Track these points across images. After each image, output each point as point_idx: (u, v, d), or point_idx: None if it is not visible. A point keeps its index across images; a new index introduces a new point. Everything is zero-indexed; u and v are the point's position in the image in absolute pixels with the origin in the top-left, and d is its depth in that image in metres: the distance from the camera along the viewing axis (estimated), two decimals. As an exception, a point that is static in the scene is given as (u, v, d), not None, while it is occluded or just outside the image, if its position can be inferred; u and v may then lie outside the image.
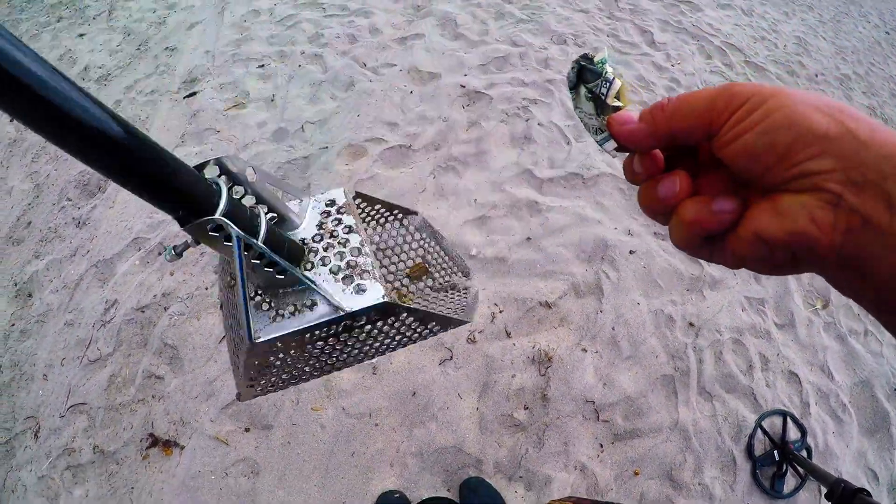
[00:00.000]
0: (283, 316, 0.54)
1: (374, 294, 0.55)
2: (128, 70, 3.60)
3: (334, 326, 0.56)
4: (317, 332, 0.55)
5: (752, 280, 2.55)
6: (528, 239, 2.48)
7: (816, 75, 4.30)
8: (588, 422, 2.08)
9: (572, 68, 0.47)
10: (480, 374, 2.13)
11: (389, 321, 0.61)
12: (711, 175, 0.42)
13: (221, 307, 0.65)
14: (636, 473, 2.02)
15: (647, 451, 2.05)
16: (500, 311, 2.27)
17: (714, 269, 2.52)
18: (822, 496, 1.54)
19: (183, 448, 2.00)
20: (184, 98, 3.26)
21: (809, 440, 2.19)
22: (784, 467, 2.09)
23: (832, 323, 2.53)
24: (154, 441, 2.03)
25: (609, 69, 0.46)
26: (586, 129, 0.46)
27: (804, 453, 2.15)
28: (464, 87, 3.16)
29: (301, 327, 0.53)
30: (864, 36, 5.43)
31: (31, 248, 2.73)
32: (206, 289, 2.38)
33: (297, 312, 0.54)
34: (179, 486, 1.93)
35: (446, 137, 2.88)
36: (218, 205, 0.44)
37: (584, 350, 2.21)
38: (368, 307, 0.55)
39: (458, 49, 3.45)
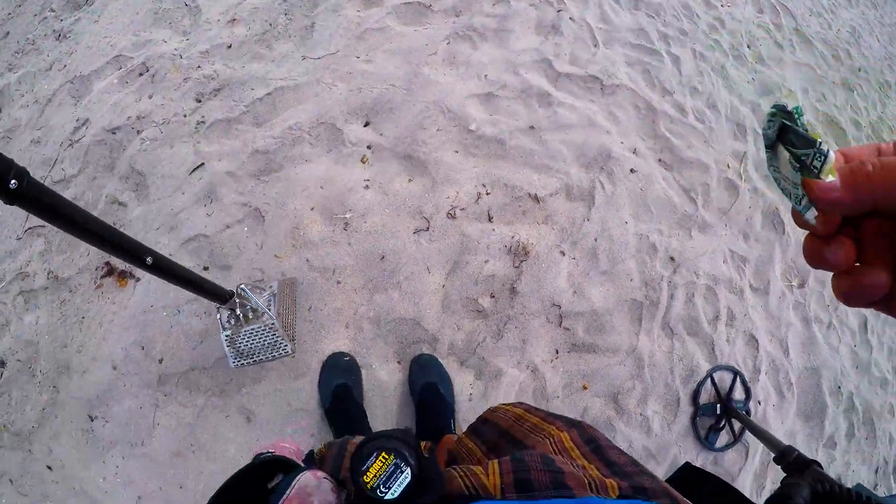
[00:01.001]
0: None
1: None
2: None
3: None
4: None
5: (740, 236, 2.47)
6: (532, 128, 2.33)
7: (859, 69, 4.13)
8: (550, 325, 2.02)
9: (770, 122, 0.41)
10: (453, 252, 2.04)
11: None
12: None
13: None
14: (584, 388, 2.00)
15: (599, 368, 2.02)
16: (487, 194, 2.15)
17: (707, 213, 2.42)
18: (772, 459, 1.52)
19: (138, 280, 1.95)
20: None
21: (751, 405, 2.20)
22: (722, 422, 2.11)
23: (802, 304, 2.49)
24: (110, 270, 1.98)
25: (808, 123, 0.39)
26: (783, 193, 0.42)
27: (745, 414, 2.15)
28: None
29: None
30: (915, 52, 5.26)
31: (4, 59, 2.61)
32: (185, 116, 2.26)
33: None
34: (130, 319, 1.88)
35: (470, 6, 2.66)
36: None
37: (563, 253, 2.11)
38: None
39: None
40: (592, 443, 0.81)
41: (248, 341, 1.71)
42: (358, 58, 2.39)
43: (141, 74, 2.38)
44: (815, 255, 0.39)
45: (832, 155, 0.37)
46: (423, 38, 2.50)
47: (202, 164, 2.12)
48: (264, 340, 1.73)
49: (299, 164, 2.12)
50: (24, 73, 2.49)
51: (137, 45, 2.47)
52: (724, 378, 2.17)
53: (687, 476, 1.11)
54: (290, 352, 1.80)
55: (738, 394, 2.18)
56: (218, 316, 1.66)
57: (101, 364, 1.83)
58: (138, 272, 1.96)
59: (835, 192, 0.36)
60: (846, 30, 4.45)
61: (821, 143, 0.37)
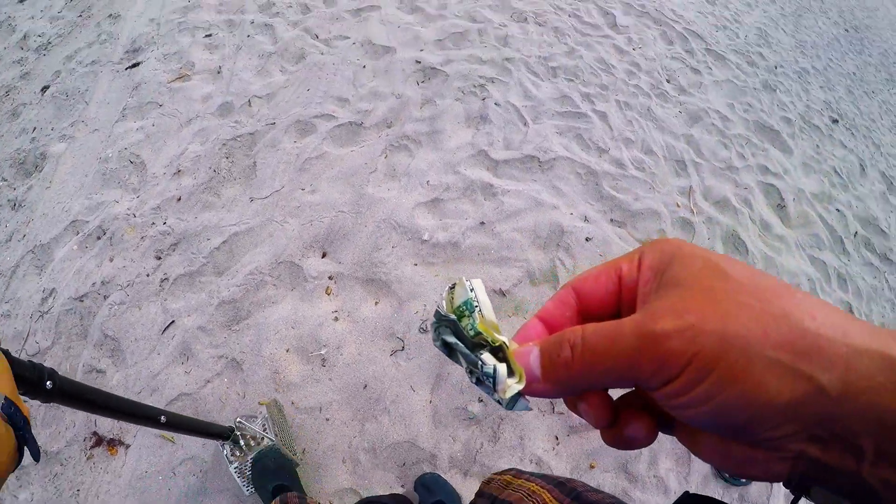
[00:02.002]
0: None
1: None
2: (68, 38, 3.39)
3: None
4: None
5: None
6: (482, 223, 2.40)
7: (776, 67, 4.33)
8: (543, 415, 2.04)
9: (435, 332, 0.39)
10: (433, 366, 2.06)
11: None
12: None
13: None
14: (592, 466, 2.00)
15: (602, 443, 2.02)
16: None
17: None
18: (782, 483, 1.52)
19: (128, 447, 1.92)
20: (126, 69, 3.07)
21: None
22: None
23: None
24: (98, 440, 1.95)
25: (480, 321, 0.37)
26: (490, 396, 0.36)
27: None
28: (419, 62, 3.04)
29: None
30: (823, 32, 5.52)
31: None
32: (147, 275, 2.27)
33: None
34: (126, 486, 1.85)
35: (399, 115, 2.77)
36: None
37: (539, 341, 2.14)
38: None
39: (415, 23, 3.33)
40: (573, 493, 0.81)
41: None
42: (303, 190, 2.46)
43: (98, 238, 2.39)
44: (573, 410, 0.37)
45: (500, 370, 0.34)
46: (361, 158, 2.57)
47: (172, 321, 2.13)
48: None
49: (266, 307, 2.15)
50: None
51: (91, 208, 2.50)
52: None
53: None
54: (296, 463, 1.83)
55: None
56: (224, 452, 1.70)
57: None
58: (127, 439, 1.94)
59: (535, 382, 0.34)
60: (753, 33, 4.67)
61: (482, 354, 0.35)
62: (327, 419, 1.96)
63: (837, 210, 3.20)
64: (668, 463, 2.05)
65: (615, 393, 0.38)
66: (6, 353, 0.79)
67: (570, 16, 3.69)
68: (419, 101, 2.85)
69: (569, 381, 0.33)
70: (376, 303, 2.18)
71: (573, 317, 0.37)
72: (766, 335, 0.27)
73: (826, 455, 0.27)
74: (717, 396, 0.28)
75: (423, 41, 3.19)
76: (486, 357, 0.35)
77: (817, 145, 3.66)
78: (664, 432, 0.37)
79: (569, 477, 0.96)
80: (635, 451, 1.97)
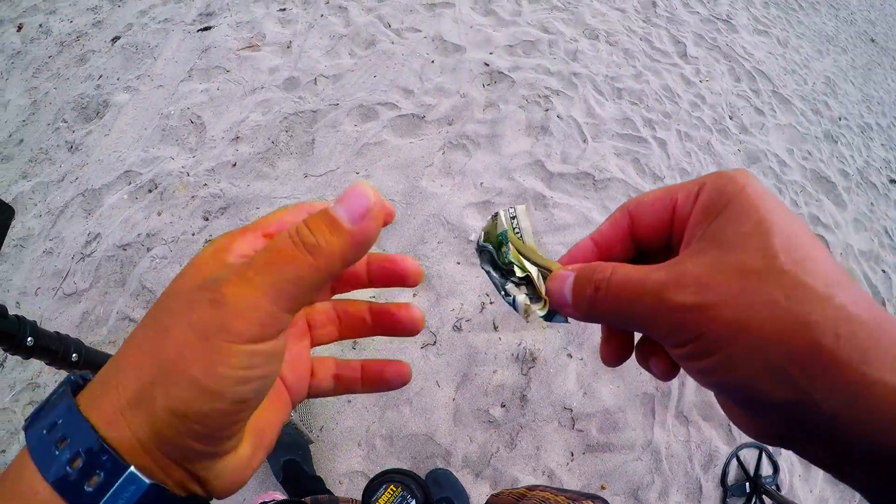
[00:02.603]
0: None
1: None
2: (144, -7, 3.47)
3: None
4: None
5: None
6: (531, 232, 2.40)
7: (840, 118, 4.25)
8: (563, 429, 2.04)
9: (480, 258, 0.41)
10: (462, 365, 2.07)
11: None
12: None
13: None
14: (603, 487, 1.99)
15: (616, 466, 2.02)
16: (491, 303, 2.20)
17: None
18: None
19: None
20: (197, 31, 3.14)
21: (779, 479, 2.19)
22: (753, 499, 2.09)
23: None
24: None
25: (514, 251, 0.39)
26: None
27: (774, 489, 2.14)
28: (487, 65, 3.05)
29: None
30: (892, 89, 5.39)
31: (19, 167, 2.65)
32: (193, 234, 2.32)
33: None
34: None
35: (461, 114, 2.78)
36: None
37: (570, 355, 2.15)
38: None
39: (488, 25, 3.33)
40: (591, 496, 0.82)
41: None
42: (357, 173, 2.49)
43: (150, 191, 2.45)
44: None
45: (518, 301, 0.37)
46: (419, 150, 2.60)
47: (211, 283, 2.18)
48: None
49: (306, 283, 2.18)
50: (38, 183, 2.55)
51: (146, 161, 2.55)
52: (749, 456, 2.17)
53: None
54: (311, 441, 1.85)
55: (766, 469, 2.17)
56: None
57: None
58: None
59: (566, 306, 0.36)
60: (821, 81, 4.58)
61: (507, 284, 0.39)
62: (349, 401, 1.98)
63: (884, 271, 3.14)
64: (678, 496, 2.04)
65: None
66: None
67: (641, 39, 3.67)
68: (483, 104, 2.86)
69: (592, 315, 0.34)
70: (414, 294, 2.20)
71: (625, 239, 0.38)
72: (779, 342, 0.26)
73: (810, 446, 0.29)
74: (715, 374, 0.29)
75: (493, 44, 3.20)
76: (510, 287, 0.39)
77: (872, 203, 3.58)
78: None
79: (591, 493, 0.96)
80: (648, 479, 1.97)
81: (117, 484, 0.26)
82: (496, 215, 0.40)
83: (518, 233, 0.40)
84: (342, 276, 0.40)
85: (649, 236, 0.36)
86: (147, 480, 0.27)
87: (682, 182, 0.35)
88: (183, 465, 0.28)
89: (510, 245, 0.39)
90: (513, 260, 0.39)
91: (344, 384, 0.41)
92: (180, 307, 0.28)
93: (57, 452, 0.27)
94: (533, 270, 0.38)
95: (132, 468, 0.27)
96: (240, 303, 0.27)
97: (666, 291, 0.29)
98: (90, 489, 0.26)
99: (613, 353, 0.39)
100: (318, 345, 0.42)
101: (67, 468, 0.26)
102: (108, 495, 0.26)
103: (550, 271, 0.37)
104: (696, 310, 0.28)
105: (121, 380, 0.28)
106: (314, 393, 0.41)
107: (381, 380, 0.41)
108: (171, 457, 0.28)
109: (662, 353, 0.36)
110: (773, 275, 0.27)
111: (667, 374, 0.36)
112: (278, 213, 0.35)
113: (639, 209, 0.36)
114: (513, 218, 0.40)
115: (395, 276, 0.39)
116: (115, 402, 0.27)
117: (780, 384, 0.26)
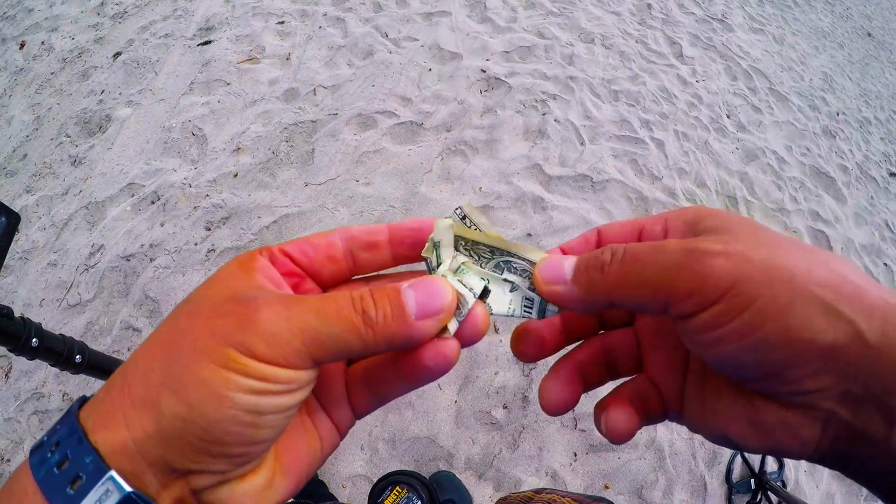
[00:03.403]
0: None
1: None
2: (145, 10, 3.51)
3: None
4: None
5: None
6: (529, 235, 2.42)
7: (838, 114, 4.25)
8: (565, 429, 2.05)
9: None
10: (463, 367, 2.09)
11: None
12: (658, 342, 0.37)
13: None
14: (606, 487, 2.00)
15: (620, 465, 2.02)
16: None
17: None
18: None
19: None
20: (198, 45, 3.18)
21: (785, 475, 2.18)
22: (759, 497, 2.08)
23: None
24: None
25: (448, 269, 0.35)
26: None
27: (780, 486, 2.13)
28: (484, 71, 3.08)
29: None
30: (889, 82, 5.39)
31: (23, 181, 2.68)
32: (195, 244, 2.34)
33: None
34: None
35: (459, 120, 2.81)
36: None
37: (571, 356, 2.16)
38: None
39: (484, 33, 3.37)
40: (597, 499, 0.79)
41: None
42: (357, 181, 2.52)
43: (153, 202, 2.48)
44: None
45: (468, 303, 0.32)
46: (418, 157, 2.63)
47: (214, 292, 2.20)
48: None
49: (309, 290, 2.20)
50: (42, 197, 2.57)
51: (149, 173, 2.58)
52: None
53: None
54: None
55: (771, 465, 2.17)
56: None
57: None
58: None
59: (561, 283, 0.32)
60: (818, 77, 4.59)
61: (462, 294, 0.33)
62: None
63: (885, 264, 3.14)
64: (682, 494, 2.04)
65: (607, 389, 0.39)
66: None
67: (637, 41, 3.70)
68: (480, 110, 2.90)
69: (599, 287, 0.31)
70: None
71: None
72: (811, 272, 0.26)
73: (856, 418, 0.26)
74: (758, 331, 0.26)
75: (490, 51, 3.23)
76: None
77: (872, 197, 3.59)
78: (673, 420, 0.36)
79: (598, 496, 0.96)
80: (652, 478, 1.98)
81: (93, 488, 0.25)
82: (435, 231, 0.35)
83: (475, 228, 0.35)
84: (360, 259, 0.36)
85: None
86: (127, 488, 0.25)
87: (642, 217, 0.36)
88: (187, 479, 0.27)
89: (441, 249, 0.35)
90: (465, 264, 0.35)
91: (382, 389, 0.35)
92: (205, 313, 0.28)
93: (49, 455, 0.27)
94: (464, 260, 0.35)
95: (112, 472, 0.25)
96: (271, 329, 0.26)
97: (691, 243, 0.28)
98: (71, 492, 0.25)
99: (563, 385, 0.37)
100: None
101: (55, 469, 0.26)
102: (84, 499, 0.25)
103: (530, 261, 0.34)
104: (727, 255, 0.27)
105: (128, 381, 0.28)
106: (359, 412, 0.36)
107: (421, 367, 0.33)
108: (175, 466, 0.26)
109: (629, 407, 0.35)
110: (777, 236, 0.28)
111: (629, 428, 0.35)
112: (313, 236, 0.34)
113: (609, 229, 0.36)
114: (463, 218, 0.36)
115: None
116: (118, 404, 0.27)
117: (829, 319, 0.25)
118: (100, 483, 0.25)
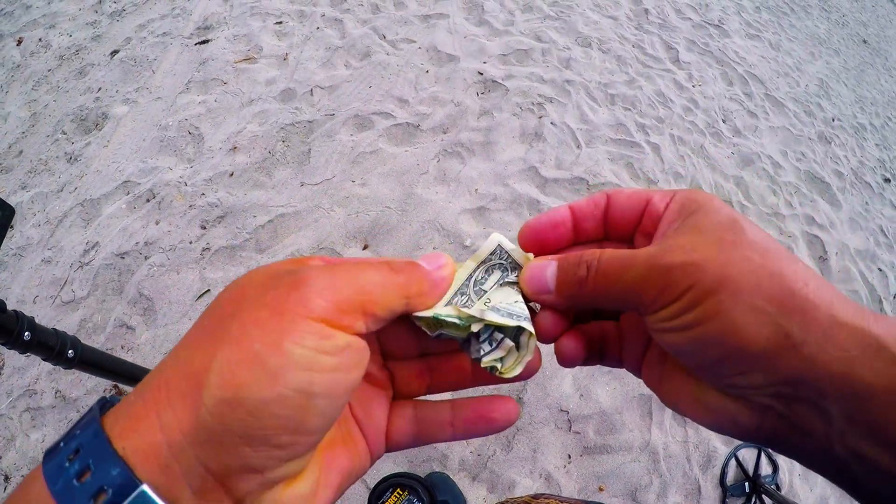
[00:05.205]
0: None
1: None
2: (143, 8, 3.50)
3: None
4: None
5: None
6: (525, 237, 2.42)
7: (833, 119, 4.27)
8: (560, 431, 2.05)
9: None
10: (458, 367, 2.08)
11: None
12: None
13: None
14: (601, 489, 2.00)
15: (614, 468, 2.03)
16: (487, 307, 2.21)
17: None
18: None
19: None
20: (195, 44, 3.17)
21: (779, 478, 2.19)
22: (753, 500, 2.09)
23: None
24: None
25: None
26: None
27: (774, 489, 2.13)
28: (481, 74, 3.09)
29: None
30: (885, 89, 5.41)
31: (18, 177, 2.67)
32: (190, 242, 2.34)
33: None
34: None
35: (456, 122, 2.82)
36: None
37: (566, 358, 2.16)
38: None
39: (481, 35, 3.38)
40: None
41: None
42: (353, 182, 2.52)
43: (148, 200, 2.47)
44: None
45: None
46: (414, 158, 2.63)
47: (208, 290, 2.19)
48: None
49: (303, 290, 2.20)
50: (37, 193, 2.56)
51: (144, 171, 2.57)
52: (748, 455, 2.17)
53: None
54: None
55: (765, 469, 2.18)
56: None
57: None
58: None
59: (546, 293, 0.36)
60: (814, 83, 4.60)
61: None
62: (348, 406, 1.99)
63: (880, 269, 3.15)
64: (677, 497, 2.04)
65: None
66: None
67: (633, 46, 3.71)
68: (477, 112, 2.90)
69: (579, 297, 0.35)
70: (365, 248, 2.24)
71: (599, 217, 0.39)
72: (759, 286, 0.29)
73: (793, 414, 0.29)
74: (700, 326, 0.29)
75: (487, 54, 3.24)
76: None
77: (867, 202, 3.60)
78: (632, 373, 0.40)
79: (595, 501, 0.97)
80: (646, 480, 1.98)
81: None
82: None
83: (509, 260, 0.39)
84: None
85: (620, 222, 0.39)
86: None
87: (653, 189, 0.38)
88: (224, 482, 0.25)
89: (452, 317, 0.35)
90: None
91: (427, 431, 0.39)
92: (253, 292, 0.28)
93: (67, 464, 0.24)
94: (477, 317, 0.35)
95: (144, 487, 0.23)
96: (322, 282, 0.28)
97: (656, 257, 0.31)
98: None
99: (574, 344, 0.39)
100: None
101: (74, 481, 0.24)
102: None
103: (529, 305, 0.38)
104: (685, 267, 0.30)
105: (165, 376, 0.27)
106: (392, 445, 0.38)
107: (486, 420, 0.38)
108: (212, 468, 0.25)
109: (581, 337, 0.39)
110: (747, 243, 0.30)
111: (577, 352, 0.38)
112: None
113: (617, 195, 0.39)
114: (507, 252, 0.39)
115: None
116: (152, 404, 0.26)
117: (762, 325, 0.28)
118: (129, 500, 0.23)
